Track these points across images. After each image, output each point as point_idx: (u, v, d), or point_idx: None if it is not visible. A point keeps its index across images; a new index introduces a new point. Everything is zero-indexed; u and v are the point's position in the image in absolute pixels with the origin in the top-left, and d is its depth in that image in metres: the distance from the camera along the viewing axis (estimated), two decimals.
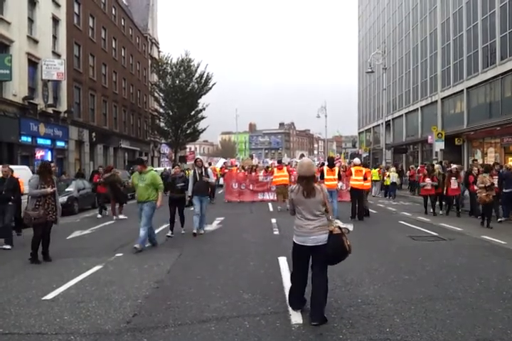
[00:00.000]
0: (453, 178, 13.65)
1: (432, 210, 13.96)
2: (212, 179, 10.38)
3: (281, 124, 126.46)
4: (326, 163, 13.02)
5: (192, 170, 10.21)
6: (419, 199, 19.61)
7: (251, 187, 18.75)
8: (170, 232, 9.72)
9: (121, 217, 13.31)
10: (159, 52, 47.39)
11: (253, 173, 19.74)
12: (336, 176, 12.55)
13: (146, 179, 8.03)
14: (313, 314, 4.29)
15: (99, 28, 29.57)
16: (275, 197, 16.89)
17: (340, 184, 13.23)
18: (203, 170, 9.95)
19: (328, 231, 4.38)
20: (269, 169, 20.64)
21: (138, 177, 8.16)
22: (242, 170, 21.33)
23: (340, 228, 4.41)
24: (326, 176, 12.13)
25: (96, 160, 28.22)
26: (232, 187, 18.84)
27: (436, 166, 15.30)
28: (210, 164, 23.25)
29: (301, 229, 4.47)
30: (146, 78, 42.32)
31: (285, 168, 15.75)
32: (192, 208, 9.96)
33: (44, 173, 7.23)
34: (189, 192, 9.71)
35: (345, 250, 4.35)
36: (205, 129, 41.88)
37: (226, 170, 21.85)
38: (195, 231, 9.72)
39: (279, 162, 17.41)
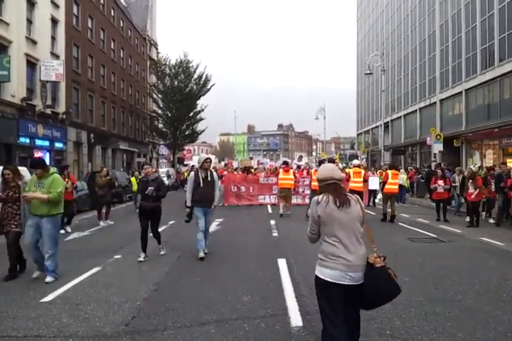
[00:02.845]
0: (470, 181, 11.83)
1: (443, 217, 12.60)
2: (218, 190, 7.90)
3: (280, 126, 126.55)
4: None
5: (193, 172, 7.81)
6: (417, 201, 19.62)
7: (251, 189, 18.41)
8: (142, 255, 7.21)
9: (105, 223, 12.35)
10: (158, 53, 47.40)
11: (250, 175, 19.55)
12: None
13: (45, 185, 5.96)
14: None
15: (98, 29, 29.56)
16: (275, 201, 16.66)
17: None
18: (209, 173, 7.51)
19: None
20: (269, 171, 20.48)
21: (35, 183, 6.04)
22: (240, 172, 21.17)
23: (380, 257, 3.11)
24: None
25: (94, 161, 28.16)
26: (231, 190, 18.54)
27: (472, 168, 12.91)
28: None
29: (337, 260, 3.04)
30: (144, 79, 42.30)
31: (291, 171, 14.94)
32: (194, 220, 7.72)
33: (4, 178, 6.27)
34: (188, 202, 7.48)
35: (398, 288, 3.09)
36: (203, 130, 41.96)
37: (225, 173, 21.53)
38: (201, 254, 7.31)
39: (285, 163, 15.80)
